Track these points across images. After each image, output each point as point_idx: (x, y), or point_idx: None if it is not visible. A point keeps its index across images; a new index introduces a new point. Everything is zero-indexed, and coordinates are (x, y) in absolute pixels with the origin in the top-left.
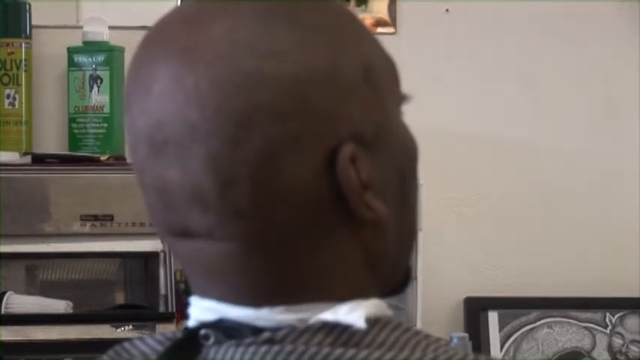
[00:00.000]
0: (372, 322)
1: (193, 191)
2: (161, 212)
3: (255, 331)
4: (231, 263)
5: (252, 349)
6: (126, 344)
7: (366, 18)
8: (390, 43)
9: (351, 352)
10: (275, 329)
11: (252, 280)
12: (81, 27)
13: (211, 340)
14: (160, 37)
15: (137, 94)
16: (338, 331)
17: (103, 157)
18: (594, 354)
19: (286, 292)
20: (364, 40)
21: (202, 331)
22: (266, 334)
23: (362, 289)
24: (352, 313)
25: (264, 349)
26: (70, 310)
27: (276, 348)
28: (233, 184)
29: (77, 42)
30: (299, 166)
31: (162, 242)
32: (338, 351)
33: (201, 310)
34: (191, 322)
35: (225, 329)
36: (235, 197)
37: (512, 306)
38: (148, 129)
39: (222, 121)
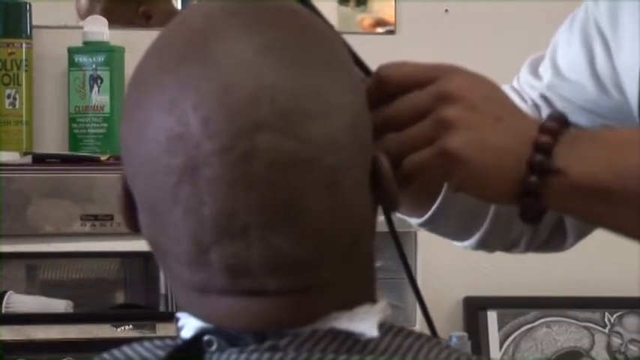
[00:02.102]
0: (377, 327)
1: (279, 262)
2: (223, 280)
3: (258, 338)
4: (283, 310)
5: (255, 355)
6: (124, 347)
7: (366, 18)
8: (390, 43)
9: (355, 358)
10: (278, 336)
11: (291, 317)
12: (81, 27)
13: (214, 347)
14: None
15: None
16: (342, 337)
17: (104, 157)
18: (593, 353)
19: (314, 317)
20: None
21: (205, 337)
22: (269, 342)
23: (371, 291)
24: (364, 322)
25: (266, 356)
26: (70, 310)
27: (278, 355)
28: (327, 247)
29: (77, 42)
30: (364, 194)
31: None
32: (342, 357)
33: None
34: (190, 331)
35: (228, 336)
36: (326, 254)
37: (511, 305)
38: (217, 218)
39: (306, 191)
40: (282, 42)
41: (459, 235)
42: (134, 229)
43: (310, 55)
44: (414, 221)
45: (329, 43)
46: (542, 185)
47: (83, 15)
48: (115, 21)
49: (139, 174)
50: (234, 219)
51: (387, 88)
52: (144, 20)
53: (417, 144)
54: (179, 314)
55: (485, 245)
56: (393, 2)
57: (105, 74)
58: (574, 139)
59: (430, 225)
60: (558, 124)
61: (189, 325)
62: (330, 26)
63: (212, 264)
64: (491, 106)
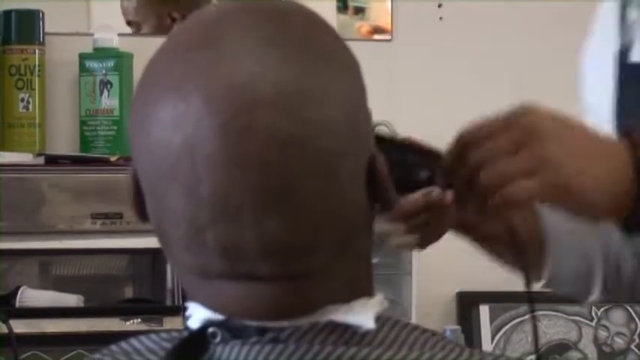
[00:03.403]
0: (374, 319)
1: (272, 246)
2: (220, 263)
3: (261, 330)
4: (279, 296)
5: (257, 347)
6: (132, 340)
7: (364, 26)
8: (386, 49)
9: (352, 350)
10: (280, 329)
11: (287, 305)
12: (92, 34)
13: (218, 339)
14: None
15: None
16: (340, 330)
17: (113, 158)
18: (581, 345)
19: (311, 306)
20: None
21: (210, 330)
22: (271, 334)
23: (368, 285)
24: (361, 314)
25: (268, 347)
26: (81, 304)
27: (280, 347)
28: (318, 234)
29: (88, 48)
30: (358, 188)
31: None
32: (340, 349)
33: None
34: (196, 322)
35: (231, 328)
36: (317, 241)
37: (503, 300)
38: (212, 197)
39: (301, 171)
40: (287, 34)
41: (580, 294)
42: (142, 217)
43: (314, 48)
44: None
45: (333, 43)
46: None
47: (126, 13)
48: (144, 20)
49: (142, 155)
50: (229, 198)
51: (471, 147)
52: (169, 23)
53: (517, 175)
54: (188, 303)
55: (607, 296)
56: (390, 10)
57: (114, 79)
58: None
59: (549, 288)
60: None
61: (195, 316)
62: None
63: (208, 246)
64: (577, 135)
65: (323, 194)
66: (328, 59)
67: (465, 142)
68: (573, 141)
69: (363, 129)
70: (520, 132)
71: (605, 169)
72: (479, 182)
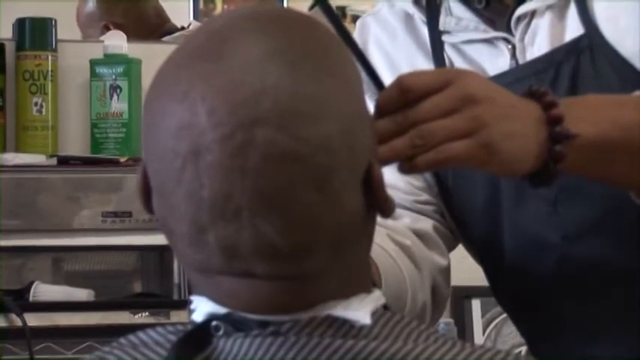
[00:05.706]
0: (371, 314)
1: (267, 248)
2: (219, 260)
3: (262, 324)
4: (278, 293)
5: (258, 340)
6: (140, 333)
7: None
8: None
9: (349, 342)
10: (280, 323)
11: (284, 302)
12: (102, 41)
13: (221, 332)
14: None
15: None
16: (338, 324)
17: (122, 159)
18: None
19: (308, 304)
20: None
21: (213, 323)
22: (272, 327)
23: (366, 282)
24: (359, 310)
25: (269, 340)
26: (92, 298)
27: (280, 339)
28: (312, 240)
29: (98, 54)
30: (354, 197)
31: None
32: (338, 342)
33: (212, 304)
34: (200, 315)
35: (234, 322)
36: (311, 247)
37: None
38: (213, 201)
39: (296, 184)
40: (290, 48)
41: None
42: (149, 210)
43: (315, 63)
44: None
45: (335, 55)
46: (566, 152)
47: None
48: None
49: (152, 157)
50: (228, 202)
51: (410, 95)
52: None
53: (451, 136)
54: (192, 297)
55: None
56: None
57: (123, 84)
58: (570, 105)
59: None
60: (553, 96)
61: (200, 310)
62: (348, 34)
63: (209, 245)
64: (503, 98)
65: (317, 203)
66: (329, 73)
67: (405, 89)
68: (501, 104)
69: (360, 141)
70: (455, 94)
71: (530, 131)
72: (412, 139)
